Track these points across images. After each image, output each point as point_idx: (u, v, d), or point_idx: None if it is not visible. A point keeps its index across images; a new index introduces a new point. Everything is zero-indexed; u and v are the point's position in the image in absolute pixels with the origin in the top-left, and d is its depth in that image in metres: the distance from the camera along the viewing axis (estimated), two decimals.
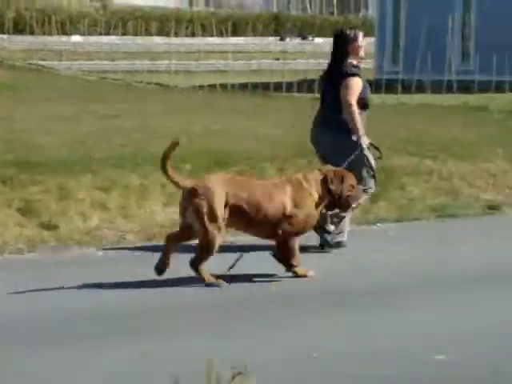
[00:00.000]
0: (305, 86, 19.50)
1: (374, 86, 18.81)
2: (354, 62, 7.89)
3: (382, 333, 5.65)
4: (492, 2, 22.32)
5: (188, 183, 6.63)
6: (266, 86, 19.99)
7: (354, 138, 7.68)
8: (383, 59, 21.82)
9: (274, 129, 12.57)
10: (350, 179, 7.04)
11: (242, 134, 11.93)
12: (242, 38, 37.34)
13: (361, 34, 7.97)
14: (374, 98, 17.14)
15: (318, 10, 73.49)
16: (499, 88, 16.73)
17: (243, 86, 20.42)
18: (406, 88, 18.39)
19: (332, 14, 68.75)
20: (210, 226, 6.49)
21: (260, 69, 28.03)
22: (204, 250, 6.57)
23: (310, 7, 76.47)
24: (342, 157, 7.54)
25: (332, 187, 6.88)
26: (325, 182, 6.89)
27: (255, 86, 20.44)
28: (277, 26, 44.67)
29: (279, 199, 6.72)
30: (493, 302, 6.37)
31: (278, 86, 19.79)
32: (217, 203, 6.50)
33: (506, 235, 8.67)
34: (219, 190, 6.55)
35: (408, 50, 22.21)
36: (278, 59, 28.57)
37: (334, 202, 6.99)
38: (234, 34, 37.56)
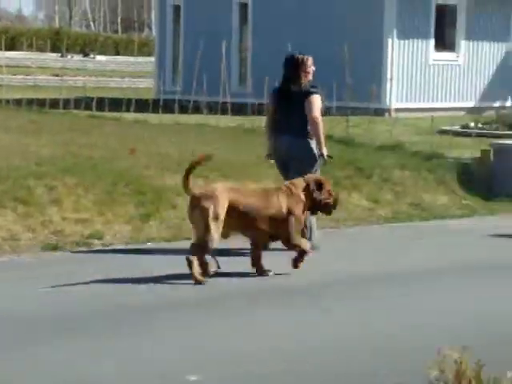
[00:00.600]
0: (82, 103, 19.29)
1: (153, 105, 19.00)
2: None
3: None
4: (266, 27, 23.05)
5: (196, 190, 7.64)
6: (42, 103, 19.58)
7: (313, 145, 8.86)
8: (163, 79, 21.98)
9: (46, 146, 12.33)
10: (328, 185, 8.12)
11: (12, 151, 11.62)
12: (20, 53, 36.48)
13: (310, 59, 9.06)
14: (152, 118, 17.41)
15: (102, 28, 73.19)
16: None
17: (18, 102, 19.91)
18: (184, 108, 18.60)
19: (116, 32, 68.70)
20: (213, 228, 7.47)
21: (37, 84, 27.42)
22: (201, 249, 7.51)
23: (94, 25, 75.95)
24: (302, 163, 8.74)
25: (314, 193, 7.95)
26: (307, 188, 7.93)
27: (31, 101, 19.98)
28: (58, 41, 44.02)
29: (275, 204, 7.79)
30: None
31: (54, 103, 19.44)
32: (220, 208, 7.51)
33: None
34: (223, 196, 7.56)
35: (186, 71, 22.52)
36: (57, 75, 28.10)
37: (316, 206, 8.04)
38: (12, 48, 36.62)
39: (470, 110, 21.51)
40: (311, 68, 9.06)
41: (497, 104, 22.02)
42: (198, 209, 7.53)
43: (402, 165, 12.73)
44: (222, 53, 18.02)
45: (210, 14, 24.06)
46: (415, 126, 17.18)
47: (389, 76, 21.34)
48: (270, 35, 22.83)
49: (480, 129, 16.92)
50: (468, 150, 13.70)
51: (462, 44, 22.60)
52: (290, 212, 7.80)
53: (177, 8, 25.52)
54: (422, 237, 10.31)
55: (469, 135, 15.39)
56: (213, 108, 18.26)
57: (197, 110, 18.95)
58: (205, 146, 13.38)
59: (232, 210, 7.58)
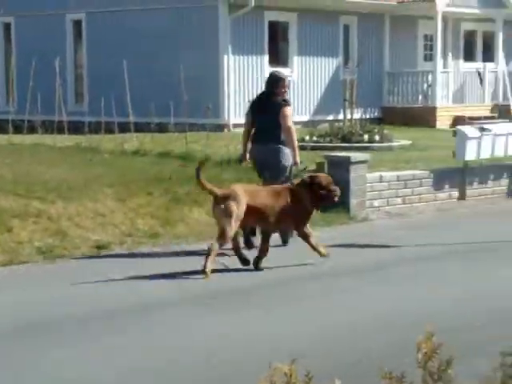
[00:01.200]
0: None
1: None
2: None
3: None
4: (101, 44, 22.88)
5: (218, 191, 8.92)
6: None
7: (289, 152, 10.23)
8: None
9: None
10: (327, 181, 9.39)
11: None
12: None
13: (286, 79, 10.65)
14: None
15: None
16: (108, 129, 17.11)
17: None
18: (19, 128, 18.17)
19: None
20: (233, 223, 8.75)
21: None
22: (220, 240, 8.70)
23: None
24: (276, 169, 10.15)
25: (317, 188, 9.24)
26: (310, 185, 9.24)
27: None
28: None
29: (283, 201, 9.12)
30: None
31: None
32: (240, 206, 8.82)
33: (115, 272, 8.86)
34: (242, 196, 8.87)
35: (20, 90, 22.04)
36: None
37: (320, 200, 9.34)
38: None
39: (305, 124, 22.05)
40: (287, 87, 10.61)
41: (330, 117, 22.69)
42: (222, 207, 8.78)
43: (240, 179, 12.86)
44: (56, 71, 17.73)
45: (43, 31, 23.71)
46: None
47: (226, 92, 21.60)
48: (105, 52, 22.69)
49: (315, 142, 17.36)
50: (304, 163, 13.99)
51: (295, 59, 23.16)
52: (296, 206, 9.10)
53: (7, 26, 24.98)
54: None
55: (304, 148, 15.73)
56: (48, 127, 17.94)
57: (32, 129, 18.56)
58: (40, 166, 13.15)
59: (249, 207, 8.88)
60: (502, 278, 8.89)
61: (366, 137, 17.86)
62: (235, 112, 21.75)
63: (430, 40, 26.15)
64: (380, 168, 14.03)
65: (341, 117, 20.80)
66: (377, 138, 18.02)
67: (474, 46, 28.27)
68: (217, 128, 20.60)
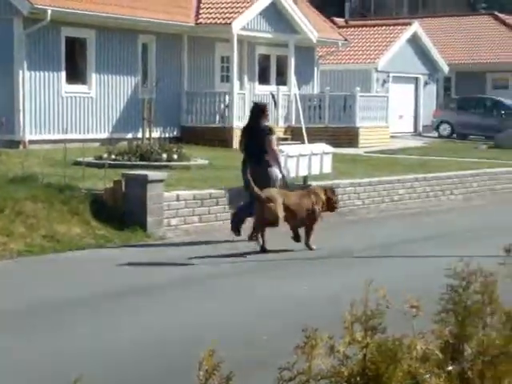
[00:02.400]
0: None
1: None
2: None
3: None
4: None
5: (263, 194, 11.71)
6: None
7: (275, 170, 12.55)
8: None
9: None
10: (334, 193, 12.52)
11: None
12: None
13: (266, 106, 13.31)
14: None
15: None
16: None
17: None
18: None
19: None
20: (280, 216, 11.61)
21: None
22: (275, 225, 11.63)
23: None
24: (265, 183, 12.10)
25: (330, 196, 12.30)
26: (325, 193, 12.24)
27: None
28: None
29: (307, 202, 12.00)
30: None
31: None
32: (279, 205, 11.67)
33: None
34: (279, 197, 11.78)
35: None
36: None
37: (329, 206, 12.27)
38: None
39: (103, 142, 21.90)
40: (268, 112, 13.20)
41: (129, 135, 22.67)
42: (269, 205, 11.57)
43: (35, 197, 12.63)
44: None
45: None
46: (49, 158, 17.13)
47: (21, 107, 21.12)
48: None
49: (113, 160, 17.28)
50: (101, 181, 13.93)
51: (94, 76, 22.98)
52: (315, 207, 11.95)
53: None
54: (59, 267, 10.32)
55: (102, 166, 15.62)
56: None
57: None
58: None
59: (284, 206, 11.66)
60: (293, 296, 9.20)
61: (164, 156, 17.96)
62: (31, 128, 21.30)
63: (227, 62, 26.67)
64: (178, 187, 14.17)
65: (140, 135, 20.84)
66: (175, 156, 18.16)
67: (268, 69, 29.08)
68: (11, 144, 20.10)
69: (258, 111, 12.92)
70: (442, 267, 3.99)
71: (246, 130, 13.09)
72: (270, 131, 12.78)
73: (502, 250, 4.15)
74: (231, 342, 6.44)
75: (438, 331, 3.61)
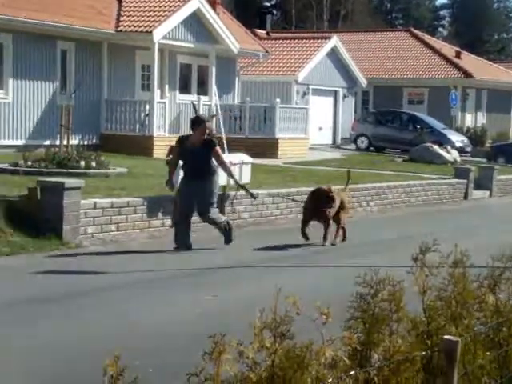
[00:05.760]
0: None
1: None
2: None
3: None
4: None
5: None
6: None
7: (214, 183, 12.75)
8: None
9: None
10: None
11: None
12: None
13: (206, 118, 13.62)
14: None
15: None
16: None
17: None
18: None
19: None
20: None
21: None
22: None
23: None
24: (210, 195, 12.55)
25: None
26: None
27: None
28: None
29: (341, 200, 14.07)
30: None
31: None
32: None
33: None
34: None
35: None
36: None
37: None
38: None
39: (20, 148, 21.58)
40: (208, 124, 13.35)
41: (47, 142, 22.39)
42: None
43: None
44: None
45: None
46: None
47: None
48: None
49: (29, 166, 17.05)
50: (16, 188, 13.73)
51: (10, 82, 22.64)
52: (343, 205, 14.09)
53: None
54: None
55: (17, 173, 15.41)
56: None
57: None
58: None
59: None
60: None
61: (82, 163, 17.79)
62: None
63: (147, 70, 26.57)
64: (95, 194, 14.06)
65: (58, 142, 20.61)
66: (93, 164, 18.00)
67: (190, 78, 29.09)
68: None
69: (198, 124, 12.80)
70: (353, 276, 4.07)
71: (184, 144, 12.86)
72: (216, 142, 12.91)
73: (411, 258, 4.25)
74: (138, 352, 6.43)
75: (346, 338, 3.67)
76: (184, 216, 12.66)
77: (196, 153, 12.51)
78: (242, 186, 13.78)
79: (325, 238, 13.63)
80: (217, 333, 3.03)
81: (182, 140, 13.13)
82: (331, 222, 13.71)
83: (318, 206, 13.49)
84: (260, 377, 3.19)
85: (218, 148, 12.81)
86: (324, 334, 3.57)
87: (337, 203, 13.75)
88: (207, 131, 12.90)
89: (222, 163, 12.80)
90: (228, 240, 12.99)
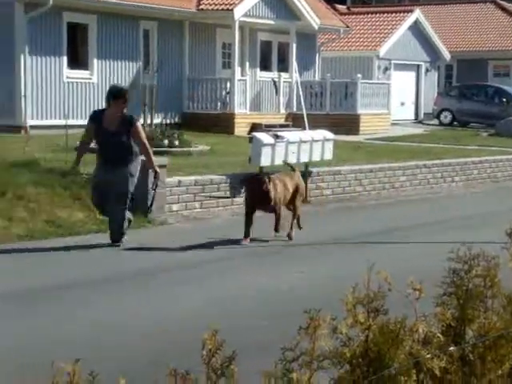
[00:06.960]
0: None
1: None
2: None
3: None
4: None
5: None
6: None
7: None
8: None
9: None
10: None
11: None
12: None
13: (127, 92, 10.56)
14: None
15: None
16: None
17: None
18: None
19: None
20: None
21: None
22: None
23: None
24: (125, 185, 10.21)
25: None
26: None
27: None
28: None
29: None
30: None
31: None
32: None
33: None
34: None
35: None
36: None
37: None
38: None
39: None
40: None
41: None
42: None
43: (37, 182, 12.65)
44: None
45: None
46: (50, 143, 17.13)
47: (22, 93, 21.10)
48: None
49: None
50: None
51: (95, 62, 22.95)
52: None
53: None
54: (61, 253, 10.34)
55: None
56: None
57: None
58: None
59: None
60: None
61: (165, 142, 17.97)
62: (32, 114, 21.30)
63: (228, 48, 26.63)
64: (179, 172, 14.17)
65: (142, 121, 20.80)
66: (176, 143, 18.17)
67: (270, 56, 29.04)
68: (13, 129, 20.09)
69: (117, 97, 10.42)
70: (444, 252, 4.01)
71: (99, 121, 10.45)
72: (135, 117, 10.76)
73: (505, 234, 4.17)
74: (232, 328, 6.46)
75: (439, 314, 3.63)
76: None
77: (112, 133, 10.33)
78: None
79: (276, 229, 11.38)
80: (311, 308, 3.03)
81: (95, 116, 10.69)
82: (281, 212, 11.44)
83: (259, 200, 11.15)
84: (354, 352, 3.18)
85: (138, 125, 10.64)
86: (417, 309, 3.54)
87: (290, 189, 11.56)
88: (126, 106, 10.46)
89: (142, 144, 10.44)
90: (117, 239, 10.62)
